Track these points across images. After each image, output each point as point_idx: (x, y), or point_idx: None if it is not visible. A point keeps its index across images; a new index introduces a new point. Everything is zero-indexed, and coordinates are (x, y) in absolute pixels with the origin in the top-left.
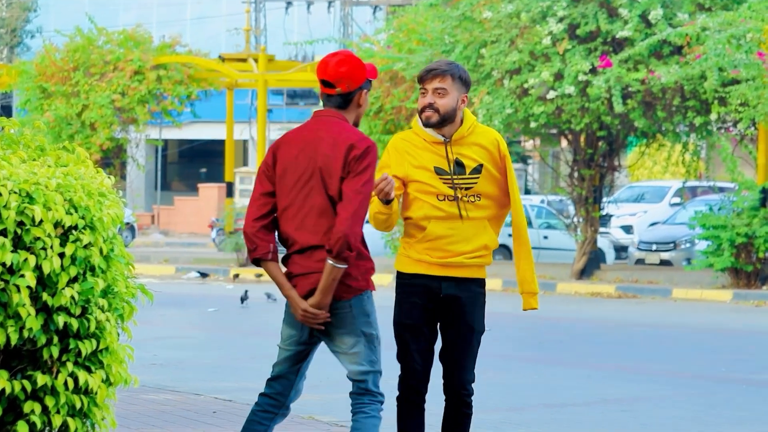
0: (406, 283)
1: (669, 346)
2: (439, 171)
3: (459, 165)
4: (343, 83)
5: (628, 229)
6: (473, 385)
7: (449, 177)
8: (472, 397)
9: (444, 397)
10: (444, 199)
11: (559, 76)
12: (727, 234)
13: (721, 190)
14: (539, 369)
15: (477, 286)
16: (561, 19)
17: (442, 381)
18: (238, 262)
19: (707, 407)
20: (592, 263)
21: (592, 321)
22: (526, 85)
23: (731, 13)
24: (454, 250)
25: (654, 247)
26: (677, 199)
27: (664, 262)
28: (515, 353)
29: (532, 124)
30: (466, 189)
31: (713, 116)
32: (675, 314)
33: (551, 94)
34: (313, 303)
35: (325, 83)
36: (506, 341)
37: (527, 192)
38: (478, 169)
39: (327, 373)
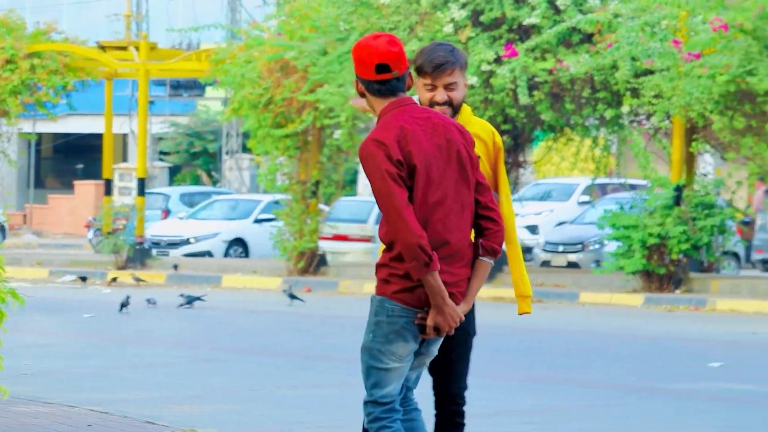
0: None
1: (576, 354)
2: None
3: None
4: (398, 65)
5: (533, 229)
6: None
7: None
8: (465, 407)
9: (434, 412)
10: None
11: None
12: (638, 234)
13: (633, 187)
14: None
15: None
16: (464, 5)
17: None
18: (116, 265)
19: (617, 419)
20: (494, 266)
21: (494, 327)
22: None
23: None
24: None
25: (561, 248)
26: (586, 198)
27: (572, 265)
28: None
29: None
30: None
31: (625, 109)
32: (583, 320)
33: None
34: (464, 310)
35: (380, 68)
36: None
37: None
38: None
39: (211, 384)
